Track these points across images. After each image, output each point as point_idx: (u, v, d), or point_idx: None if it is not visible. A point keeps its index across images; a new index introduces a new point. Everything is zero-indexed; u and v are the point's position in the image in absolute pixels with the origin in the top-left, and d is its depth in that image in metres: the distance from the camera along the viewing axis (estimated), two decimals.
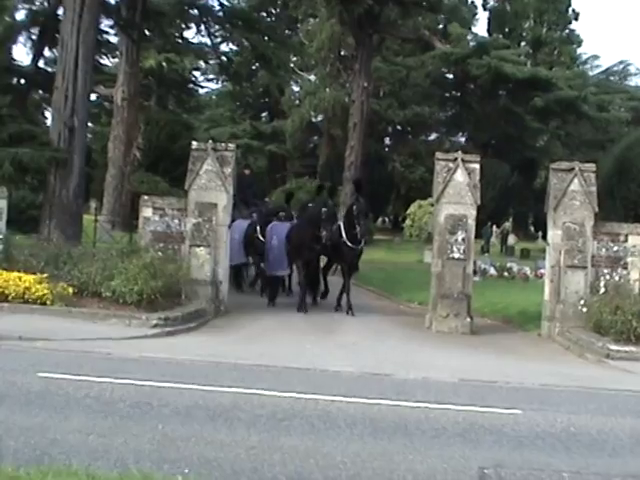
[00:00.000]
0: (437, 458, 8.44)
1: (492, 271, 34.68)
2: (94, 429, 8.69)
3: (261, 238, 24.10)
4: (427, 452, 8.64)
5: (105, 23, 38.92)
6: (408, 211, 56.12)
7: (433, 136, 77.59)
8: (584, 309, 19.32)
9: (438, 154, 21.84)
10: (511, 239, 56.94)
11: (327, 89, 63.96)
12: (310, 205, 23.85)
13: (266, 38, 40.69)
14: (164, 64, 58.75)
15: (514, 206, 67.42)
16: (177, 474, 7.18)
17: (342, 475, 7.69)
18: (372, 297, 26.83)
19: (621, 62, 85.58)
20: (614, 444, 9.64)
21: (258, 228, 24.43)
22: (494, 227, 57.82)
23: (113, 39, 44.01)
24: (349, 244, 21.98)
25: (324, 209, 21.47)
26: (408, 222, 55.79)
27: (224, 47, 47.82)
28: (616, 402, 12.62)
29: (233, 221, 24.33)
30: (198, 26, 39.73)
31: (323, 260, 24.31)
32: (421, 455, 8.51)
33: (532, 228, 67.55)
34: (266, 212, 25.65)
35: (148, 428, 8.89)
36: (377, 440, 9.04)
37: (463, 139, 75.87)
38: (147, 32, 40.28)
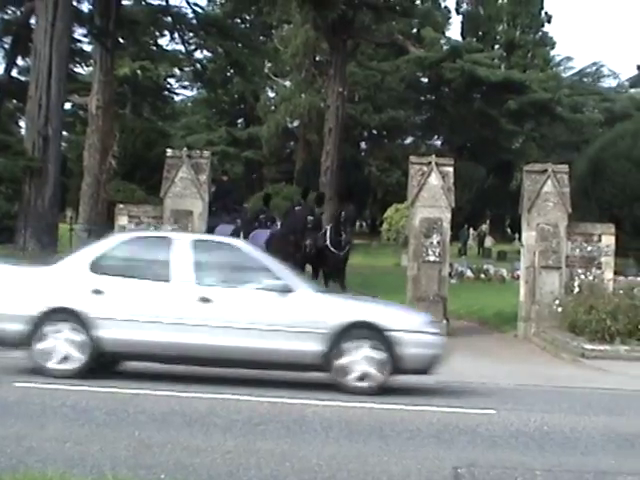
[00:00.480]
0: (412, 459, 8.51)
1: (469, 273, 34.90)
2: (70, 437, 8.72)
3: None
4: (402, 453, 8.72)
5: (78, 32, 38.94)
6: (385, 215, 56.35)
7: (409, 140, 77.94)
8: (559, 309, 19.52)
9: (412, 158, 22.00)
10: (488, 241, 57.33)
11: (302, 95, 64.13)
12: (296, 209, 23.59)
13: (240, 45, 40.76)
14: (138, 72, 58.73)
15: (491, 208, 67.86)
16: (153, 479, 7.24)
17: (317, 478, 7.75)
18: None
19: (594, 64, 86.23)
20: (587, 442, 9.74)
21: (242, 234, 23.73)
22: (471, 230, 58.16)
23: (87, 47, 43.99)
24: (333, 250, 21.83)
25: (310, 217, 21.26)
26: (385, 226, 55.98)
27: (198, 54, 47.76)
28: (590, 400, 12.77)
29: (215, 227, 24.34)
30: (172, 33, 39.72)
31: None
32: (396, 457, 8.58)
33: (509, 230, 67.92)
34: (249, 217, 25.45)
35: (124, 435, 8.93)
36: (352, 443, 9.11)
37: (439, 142, 76.28)
38: (121, 40, 40.19)
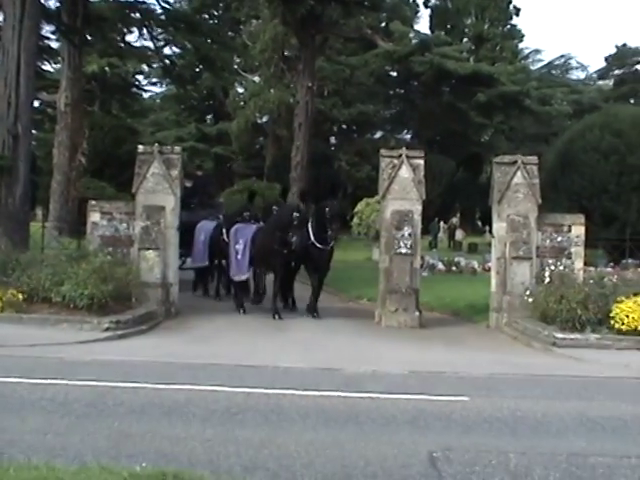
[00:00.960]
0: (388, 444, 8.72)
1: (440, 266, 35.07)
2: (51, 429, 8.86)
3: (227, 240, 23.22)
4: (378, 439, 8.93)
5: (46, 29, 38.77)
6: (355, 209, 56.46)
7: (378, 134, 78.13)
8: (530, 299, 19.69)
9: (382, 151, 22.13)
10: (459, 234, 57.56)
11: (272, 90, 64.13)
12: (274, 207, 23.61)
13: (209, 40, 40.75)
14: (107, 68, 58.56)
15: (461, 201, 68.18)
16: (135, 467, 7.39)
17: (296, 463, 7.94)
18: (322, 295, 27.04)
19: (562, 56, 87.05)
20: (558, 426, 10.00)
21: (224, 231, 23.62)
22: (442, 223, 58.43)
23: (55, 44, 43.84)
24: (318, 245, 21.36)
25: (296, 214, 20.79)
26: (356, 220, 56.02)
27: (167, 50, 47.62)
28: (561, 387, 13.01)
29: (193, 223, 24.71)
30: (140, 30, 39.55)
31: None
32: (372, 442, 8.79)
33: (479, 223, 68.33)
34: (232, 213, 25.07)
35: (104, 426, 9.08)
36: (329, 430, 9.31)
37: (408, 136, 76.53)
38: (89, 37, 39.98)
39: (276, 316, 20.85)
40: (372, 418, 9.97)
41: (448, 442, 8.91)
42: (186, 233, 24.27)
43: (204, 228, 24.84)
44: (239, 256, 22.08)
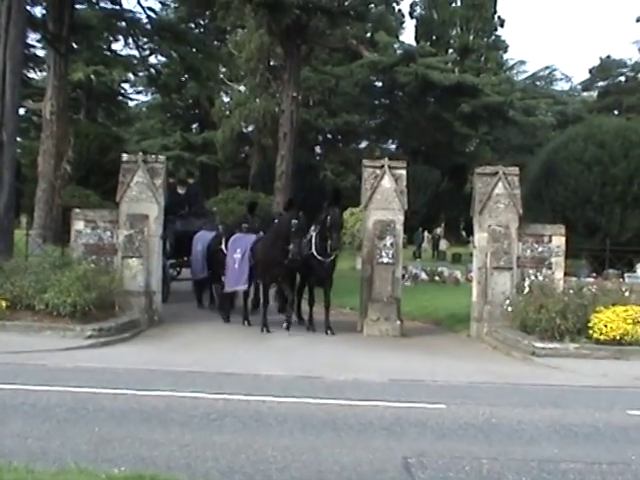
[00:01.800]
0: (363, 450, 8.89)
1: (423, 276, 35.24)
2: (32, 433, 8.99)
3: (225, 251, 22.26)
4: (354, 445, 9.09)
5: (32, 37, 38.91)
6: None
7: (363, 144, 78.41)
8: (510, 309, 19.84)
9: (365, 161, 22.24)
10: (443, 244, 57.80)
11: (257, 99, 64.36)
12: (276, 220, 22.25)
13: (194, 49, 40.88)
14: (93, 77, 58.74)
15: (445, 211, 68.39)
16: (114, 471, 7.54)
17: (272, 468, 8.10)
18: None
19: (547, 67, 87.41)
20: (532, 433, 10.19)
21: (223, 241, 22.58)
22: (426, 233, 58.65)
23: (40, 52, 43.96)
24: (318, 257, 20.48)
25: (294, 221, 19.95)
26: None
27: (153, 59, 47.80)
28: (538, 395, 13.18)
29: (187, 232, 24.22)
30: (126, 38, 39.75)
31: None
32: (348, 448, 8.95)
33: (464, 233, 68.58)
34: (232, 223, 24.65)
35: (85, 431, 9.22)
36: (306, 435, 9.48)
37: (393, 146, 76.87)
38: (75, 45, 40.15)
39: (264, 329, 20.19)
40: (349, 424, 10.14)
41: (423, 448, 9.09)
42: (181, 243, 24.42)
43: (202, 238, 24.07)
44: (236, 266, 21.30)
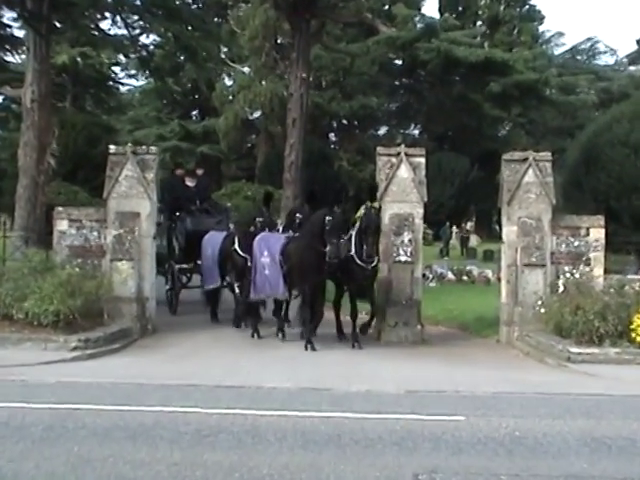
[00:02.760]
0: (370, 467, 9.00)
1: (449, 275, 35.30)
2: (3, 454, 9.13)
3: (240, 252, 21.74)
4: (359, 462, 9.20)
5: (7, 15, 39.01)
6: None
7: (383, 130, 78.36)
8: (542, 310, 19.86)
9: (379, 149, 22.29)
10: (473, 240, 57.81)
11: (263, 82, 64.42)
12: (298, 215, 21.49)
13: (190, 28, 40.84)
14: (79, 59, 58.84)
15: (475, 204, 68.22)
16: None
17: None
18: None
19: (588, 39, 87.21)
20: (560, 446, 10.27)
21: (236, 240, 22.13)
22: (454, 228, 58.64)
23: (19, 33, 44.04)
24: (359, 262, 19.66)
25: (328, 218, 19.04)
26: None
27: (144, 39, 47.79)
28: (570, 406, 13.24)
29: (198, 232, 23.77)
30: (114, 16, 39.78)
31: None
32: (353, 465, 9.07)
33: (496, 227, 68.48)
34: (244, 220, 23.74)
35: (62, 451, 9.36)
36: (307, 452, 9.59)
37: (416, 131, 76.86)
38: (57, 24, 40.14)
39: (308, 347, 19.22)
40: (355, 439, 10.25)
41: (436, 464, 9.19)
42: (192, 244, 24.00)
43: (212, 241, 23.43)
44: (266, 271, 20.40)
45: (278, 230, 21.91)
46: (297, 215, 21.44)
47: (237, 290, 22.41)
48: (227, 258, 22.45)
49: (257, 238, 20.93)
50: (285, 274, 20.13)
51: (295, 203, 42.43)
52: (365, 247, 19.46)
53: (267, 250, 20.55)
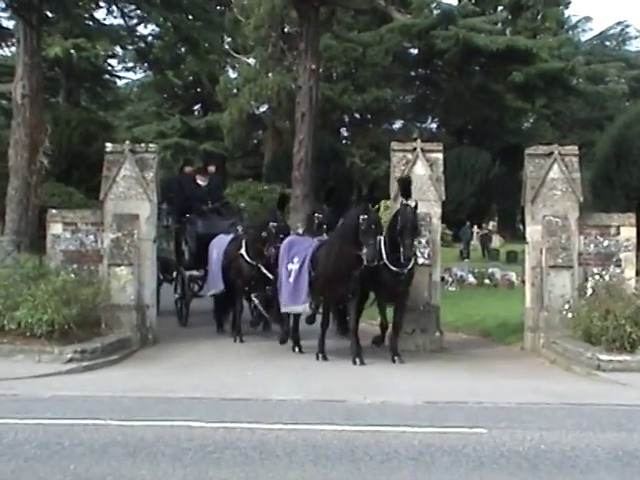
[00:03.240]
0: None
1: (470, 279, 35.33)
2: None
3: (247, 259, 21.44)
4: (374, 478, 9.25)
5: None
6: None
7: (398, 124, 78.33)
8: (570, 315, 19.84)
9: (394, 144, 22.28)
10: (495, 241, 57.78)
11: (269, 74, 64.50)
12: (317, 215, 20.97)
13: (191, 17, 40.91)
14: (72, 52, 58.83)
15: (498, 202, 68.14)
16: None
17: None
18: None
19: (618, 24, 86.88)
20: (588, 460, 10.28)
21: (243, 244, 21.74)
22: (475, 228, 58.60)
23: (7, 24, 44.12)
24: (392, 267, 18.74)
25: (363, 216, 18.17)
26: None
27: (142, 29, 47.83)
28: (599, 417, 13.24)
29: (205, 236, 23.35)
30: (109, 5, 39.88)
31: None
32: None
33: (520, 227, 68.45)
34: (257, 223, 22.66)
35: (57, 469, 9.41)
36: (318, 467, 9.63)
37: (434, 125, 76.82)
38: (49, 14, 40.23)
39: (357, 361, 18.54)
40: (370, 454, 10.28)
41: (455, 479, 9.21)
42: (204, 249, 23.42)
43: (217, 244, 23.03)
44: (290, 279, 19.62)
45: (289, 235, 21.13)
46: (316, 215, 21.02)
47: (256, 300, 22.09)
48: (231, 263, 22.12)
49: (285, 242, 20.26)
50: (311, 282, 19.39)
51: (304, 203, 42.54)
52: (402, 249, 18.38)
53: (297, 256, 19.76)
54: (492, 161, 67.80)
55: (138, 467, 9.55)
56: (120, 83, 77.69)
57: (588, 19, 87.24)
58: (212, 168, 26.71)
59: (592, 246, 21.06)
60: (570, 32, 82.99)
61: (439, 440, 11.10)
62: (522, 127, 76.09)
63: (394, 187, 21.28)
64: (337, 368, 18.09)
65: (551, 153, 21.32)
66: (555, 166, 21.14)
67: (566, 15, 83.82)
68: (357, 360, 18.51)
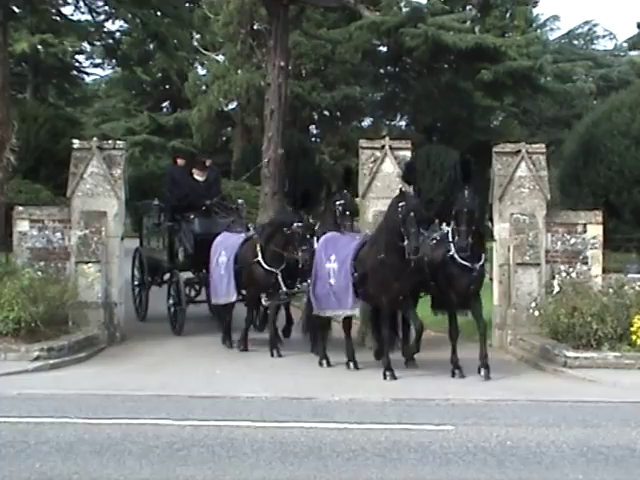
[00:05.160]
0: None
1: None
2: None
3: (265, 266, 19.23)
4: (341, 475, 9.28)
5: None
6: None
7: (367, 121, 78.15)
8: (537, 312, 19.91)
9: (362, 142, 22.31)
10: None
11: (238, 71, 64.28)
12: (340, 202, 19.16)
13: (159, 13, 40.79)
14: (40, 47, 58.47)
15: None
16: None
17: None
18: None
19: (586, 23, 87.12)
20: (554, 456, 10.37)
21: (259, 248, 19.51)
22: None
23: None
24: (461, 262, 16.81)
25: (401, 202, 16.21)
26: None
27: (110, 25, 47.66)
28: (565, 413, 13.36)
29: (212, 236, 20.93)
30: (77, 1, 39.74)
31: None
32: (334, 478, 9.15)
33: (489, 224, 68.51)
34: (276, 221, 20.37)
35: (23, 467, 9.40)
36: (286, 465, 9.66)
37: (403, 123, 76.69)
38: (15, 9, 40.04)
39: (388, 375, 16.69)
40: (337, 451, 10.32)
41: (422, 476, 9.28)
42: (202, 250, 21.31)
43: (225, 244, 20.58)
44: (331, 279, 17.54)
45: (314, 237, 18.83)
46: (337, 203, 19.27)
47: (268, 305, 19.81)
48: (245, 270, 19.90)
49: (322, 240, 18.18)
50: (355, 283, 17.19)
51: (273, 200, 42.44)
52: (458, 238, 16.66)
53: (335, 254, 17.68)
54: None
55: (104, 465, 9.55)
56: (88, 79, 77.20)
57: (556, 18, 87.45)
58: (209, 162, 24.76)
59: (559, 244, 21.12)
60: (538, 31, 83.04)
61: (406, 437, 11.17)
62: (491, 125, 76.06)
63: (363, 184, 21.35)
64: (307, 367, 18.05)
65: (519, 151, 21.37)
66: (523, 164, 21.19)
67: (534, 14, 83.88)
68: (387, 374, 16.67)
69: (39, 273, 19.93)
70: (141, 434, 11.10)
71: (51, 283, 19.68)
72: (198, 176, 23.35)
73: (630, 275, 21.98)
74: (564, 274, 20.89)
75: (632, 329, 17.95)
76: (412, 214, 15.99)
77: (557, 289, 20.33)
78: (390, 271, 16.37)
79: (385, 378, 16.54)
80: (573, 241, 21.15)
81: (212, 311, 23.04)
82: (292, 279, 19.34)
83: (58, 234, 21.06)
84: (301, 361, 18.59)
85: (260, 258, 19.30)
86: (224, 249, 20.41)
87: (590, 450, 10.72)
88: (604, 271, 21.32)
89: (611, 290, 19.74)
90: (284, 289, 19.30)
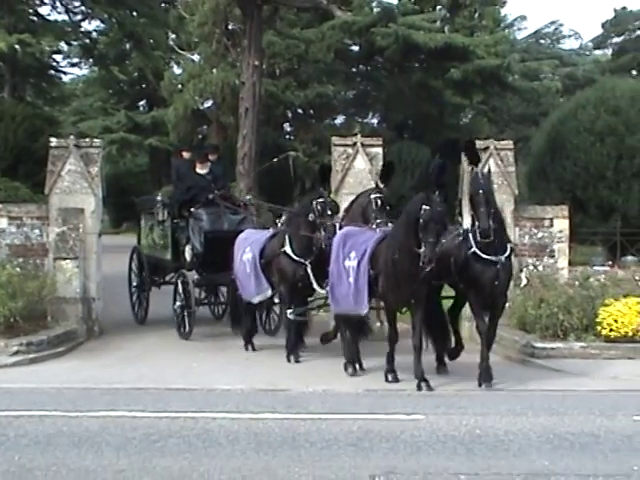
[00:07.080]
0: (325, 469, 9.11)
1: None
2: None
3: (292, 255, 17.72)
4: (315, 464, 9.32)
5: None
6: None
7: (340, 119, 78.08)
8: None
9: (335, 139, 22.36)
10: None
11: (213, 70, 64.11)
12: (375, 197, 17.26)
13: (135, 13, 40.76)
14: (17, 47, 58.22)
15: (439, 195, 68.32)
16: None
17: None
18: None
19: (552, 23, 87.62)
20: (521, 444, 10.46)
21: (287, 238, 18.00)
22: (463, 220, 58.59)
23: None
24: (483, 256, 15.20)
25: (425, 206, 14.42)
26: None
27: (87, 25, 47.56)
28: (533, 402, 13.43)
29: (225, 235, 19.73)
30: (53, 1, 39.64)
31: None
32: (307, 467, 9.18)
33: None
34: (298, 209, 19.47)
35: (2, 460, 9.42)
36: (260, 455, 9.70)
37: (375, 120, 76.76)
38: None
39: (422, 385, 14.94)
40: (310, 441, 10.37)
41: (393, 464, 9.32)
42: (212, 249, 20.16)
43: (249, 241, 19.02)
44: (351, 278, 16.02)
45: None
46: (374, 197, 17.32)
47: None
48: (271, 264, 18.37)
49: (339, 234, 16.66)
50: (369, 283, 15.81)
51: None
52: (478, 222, 14.97)
53: (354, 250, 16.16)
54: (432, 155, 67.75)
55: (83, 457, 9.57)
56: (65, 79, 76.73)
57: (523, 18, 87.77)
58: (213, 157, 22.72)
59: (527, 237, 21.25)
60: (506, 30, 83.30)
61: (378, 426, 11.23)
62: (461, 122, 76.21)
63: (336, 180, 21.34)
64: (280, 359, 17.97)
65: (487, 148, 21.44)
66: (491, 160, 21.25)
67: (502, 14, 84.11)
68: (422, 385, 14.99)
69: (18, 269, 19.81)
70: (119, 426, 11.12)
71: (30, 279, 19.64)
72: (200, 169, 21.78)
73: (595, 267, 22.14)
74: (532, 267, 21.00)
75: (597, 320, 18.09)
76: (434, 224, 14.44)
77: (525, 282, 20.45)
78: (401, 275, 15.05)
79: (419, 389, 14.86)
80: (540, 235, 21.27)
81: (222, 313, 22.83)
82: (322, 276, 17.27)
83: (36, 231, 21.01)
84: (278, 355, 18.52)
85: (288, 248, 17.84)
86: (249, 245, 18.87)
87: (556, 437, 10.81)
88: (570, 264, 21.45)
89: (577, 282, 19.89)
90: (314, 284, 17.66)
